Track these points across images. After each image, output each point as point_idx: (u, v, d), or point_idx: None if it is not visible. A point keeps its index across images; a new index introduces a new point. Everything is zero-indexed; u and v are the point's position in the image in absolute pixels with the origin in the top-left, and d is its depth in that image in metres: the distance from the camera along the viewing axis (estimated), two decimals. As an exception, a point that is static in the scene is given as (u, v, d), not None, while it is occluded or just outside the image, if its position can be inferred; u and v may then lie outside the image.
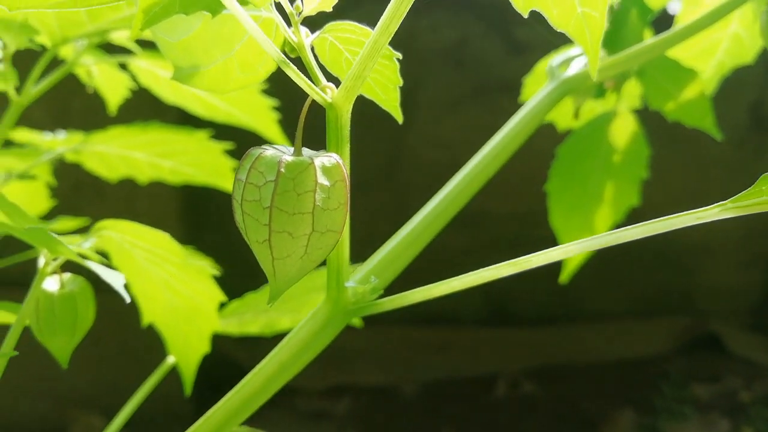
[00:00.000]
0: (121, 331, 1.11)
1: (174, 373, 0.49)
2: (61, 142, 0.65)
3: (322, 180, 0.26)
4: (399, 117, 0.34)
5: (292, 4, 0.28)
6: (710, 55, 0.59)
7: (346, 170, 0.27)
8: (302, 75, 0.27)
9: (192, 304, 0.43)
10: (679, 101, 0.53)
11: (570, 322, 1.85)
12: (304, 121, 0.28)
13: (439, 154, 1.57)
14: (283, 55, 0.29)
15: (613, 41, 0.52)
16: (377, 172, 1.64)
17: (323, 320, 0.35)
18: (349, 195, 0.28)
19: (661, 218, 0.27)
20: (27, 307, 0.37)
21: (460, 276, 0.33)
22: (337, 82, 0.29)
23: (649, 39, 0.45)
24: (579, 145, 0.60)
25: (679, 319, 1.89)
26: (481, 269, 0.32)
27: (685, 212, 0.27)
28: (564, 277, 0.66)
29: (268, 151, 0.27)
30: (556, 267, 0.62)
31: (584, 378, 1.76)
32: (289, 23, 0.30)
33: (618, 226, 0.63)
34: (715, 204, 0.27)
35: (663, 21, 0.57)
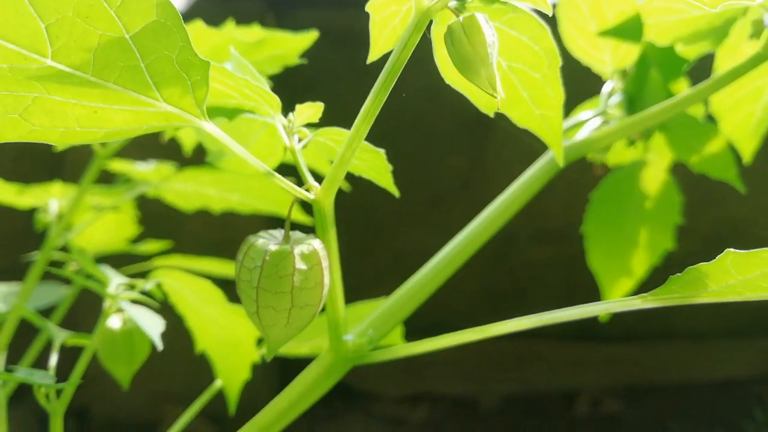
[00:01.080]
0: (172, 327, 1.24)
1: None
2: (149, 174, 0.76)
3: (300, 265, 0.33)
4: (395, 193, 0.40)
5: (285, 116, 0.35)
6: (756, 99, 0.60)
7: (323, 255, 0.34)
8: (286, 181, 0.33)
9: (235, 338, 0.52)
10: (702, 155, 0.55)
11: (657, 340, 1.81)
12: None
13: (519, 168, 1.59)
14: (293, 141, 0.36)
15: (635, 100, 0.55)
16: (455, 182, 1.69)
17: (326, 367, 0.42)
18: (326, 275, 0.34)
19: (587, 304, 0.32)
20: (94, 339, 0.47)
21: (451, 333, 0.39)
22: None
23: (667, 100, 0.48)
24: (611, 192, 0.63)
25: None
26: (474, 328, 0.38)
27: (612, 300, 0.32)
28: (603, 316, 0.70)
29: (260, 240, 0.34)
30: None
31: (671, 398, 1.72)
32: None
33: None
34: (638, 295, 0.31)
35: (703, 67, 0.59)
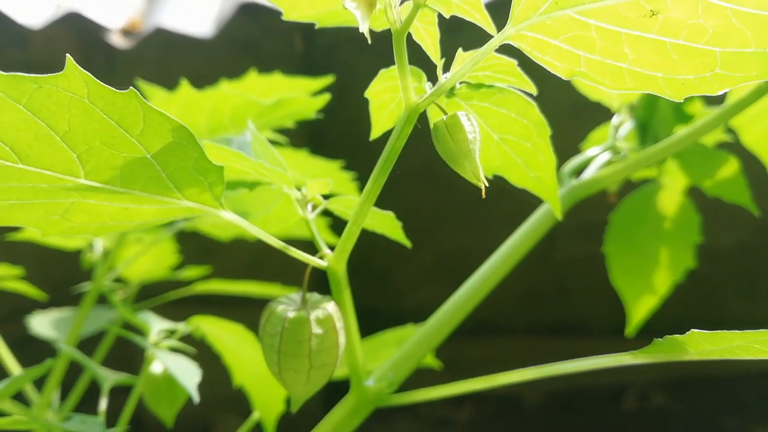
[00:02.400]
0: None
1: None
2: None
3: (316, 330, 0.37)
4: (408, 245, 0.44)
5: (299, 190, 0.39)
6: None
7: (339, 319, 0.38)
8: (299, 252, 0.37)
9: (269, 375, 0.56)
10: (716, 179, 0.57)
11: (712, 329, 1.79)
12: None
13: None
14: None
15: (646, 127, 0.57)
16: (495, 186, 1.70)
17: (350, 409, 0.46)
18: (341, 335, 0.38)
19: (582, 359, 0.35)
20: (140, 383, 0.52)
21: (466, 380, 0.43)
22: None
23: (678, 133, 0.50)
24: (630, 214, 0.65)
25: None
26: (491, 375, 0.41)
27: (604, 355, 0.35)
28: (629, 331, 0.72)
29: (280, 307, 0.38)
30: (693, 275, 0.67)
31: (723, 391, 1.71)
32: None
33: (677, 286, 0.68)
34: (628, 352, 0.34)
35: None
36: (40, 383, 0.80)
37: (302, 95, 0.61)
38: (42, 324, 0.90)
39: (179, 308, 1.11)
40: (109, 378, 0.55)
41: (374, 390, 0.45)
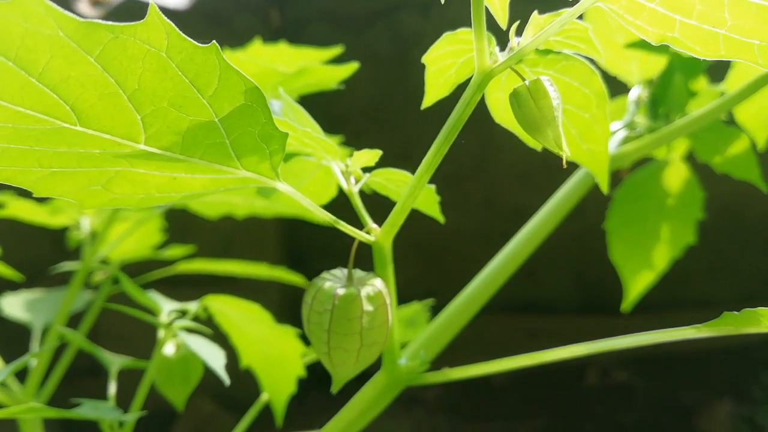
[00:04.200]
0: None
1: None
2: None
3: (367, 307, 0.35)
4: (442, 220, 0.43)
5: (343, 163, 0.37)
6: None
7: (387, 295, 0.36)
8: (349, 227, 0.35)
9: (281, 354, 0.54)
10: (726, 156, 0.57)
11: (667, 310, 1.85)
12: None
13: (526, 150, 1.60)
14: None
15: (658, 102, 0.57)
16: (464, 162, 1.70)
17: (381, 388, 0.44)
18: (390, 313, 0.36)
19: (643, 333, 0.34)
20: (151, 366, 0.49)
21: (496, 360, 0.41)
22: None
23: (695, 111, 0.50)
24: (634, 190, 0.65)
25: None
26: (510, 357, 0.40)
27: (666, 330, 0.34)
28: (626, 306, 0.72)
29: (327, 284, 0.36)
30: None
31: (682, 367, 1.77)
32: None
33: (676, 262, 0.69)
34: (692, 326, 0.33)
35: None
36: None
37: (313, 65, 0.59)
38: (14, 306, 0.86)
39: (160, 289, 1.07)
40: (116, 362, 0.52)
41: (406, 369, 0.44)
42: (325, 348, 0.36)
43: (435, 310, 0.63)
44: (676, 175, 0.63)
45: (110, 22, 0.22)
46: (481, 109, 0.38)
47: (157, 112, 0.25)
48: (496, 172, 1.56)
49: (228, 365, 0.50)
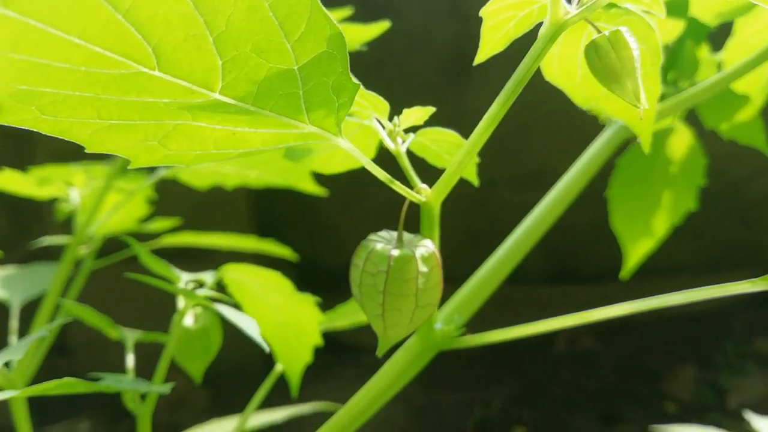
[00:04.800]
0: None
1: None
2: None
3: (422, 268, 0.34)
4: (475, 182, 0.42)
5: (390, 121, 0.36)
6: None
7: (439, 256, 0.35)
8: (403, 187, 0.34)
9: (298, 323, 0.53)
10: (733, 122, 0.58)
11: (633, 278, 1.90)
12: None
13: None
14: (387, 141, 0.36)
15: (667, 69, 0.57)
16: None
17: (416, 353, 0.44)
18: (442, 274, 0.35)
19: (696, 289, 0.34)
20: (172, 338, 0.47)
21: (535, 322, 0.41)
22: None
23: (710, 78, 0.50)
24: (638, 158, 0.65)
25: (745, 272, 1.92)
26: (552, 318, 0.40)
27: (719, 285, 0.34)
28: (624, 273, 0.73)
29: (379, 244, 0.35)
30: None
31: (646, 333, 1.82)
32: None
33: (675, 229, 0.70)
34: (747, 280, 0.34)
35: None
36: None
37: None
38: None
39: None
40: (131, 336, 0.50)
41: (441, 333, 0.43)
42: (379, 310, 0.35)
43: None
44: (680, 142, 0.64)
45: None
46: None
47: (238, 57, 0.24)
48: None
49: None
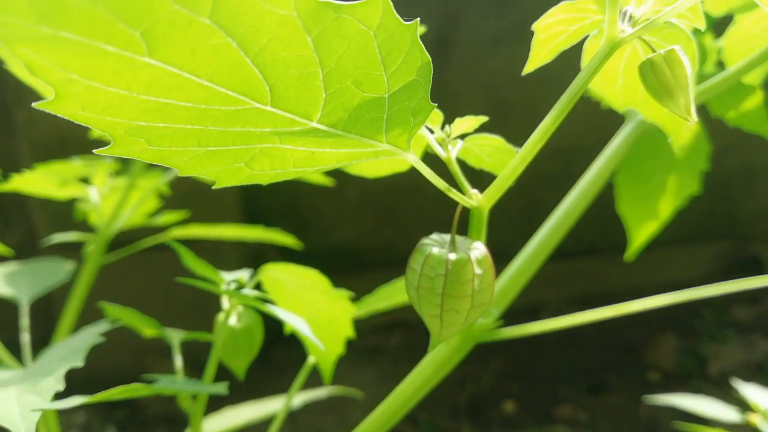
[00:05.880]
0: (189, 290, 1.27)
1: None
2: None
3: (478, 270, 0.36)
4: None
5: (441, 129, 0.38)
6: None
7: (491, 259, 0.37)
8: (457, 192, 0.36)
9: (331, 318, 0.55)
10: (739, 111, 0.61)
11: (613, 252, 1.96)
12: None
13: (480, 92, 1.63)
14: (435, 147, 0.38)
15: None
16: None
17: (456, 346, 0.46)
18: (494, 275, 0.38)
19: (707, 285, 0.37)
20: (218, 337, 0.49)
21: (573, 314, 0.44)
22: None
23: (720, 74, 0.53)
24: (646, 145, 0.68)
25: (721, 243, 1.99)
26: (590, 311, 0.43)
27: (727, 282, 0.37)
28: (629, 255, 0.76)
29: (435, 249, 0.37)
30: (595, 203, 0.72)
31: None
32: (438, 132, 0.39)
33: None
34: (746, 278, 0.37)
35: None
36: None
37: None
38: None
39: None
40: (176, 336, 0.51)
41: (479, 326, 0.45)
42: (437, 311, 0.37)
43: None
44: (687, 129, 0.67)
45: (336, 1, 0.22)
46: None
47: (340, 90, 0.25)
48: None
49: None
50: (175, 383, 0.44)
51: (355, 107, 0.27)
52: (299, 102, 0.25)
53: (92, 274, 0.65)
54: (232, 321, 0.49)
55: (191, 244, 1.00)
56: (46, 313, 1.21)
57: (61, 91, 0.21)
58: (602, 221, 1.54)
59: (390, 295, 0.68)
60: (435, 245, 0.37)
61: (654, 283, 1.90)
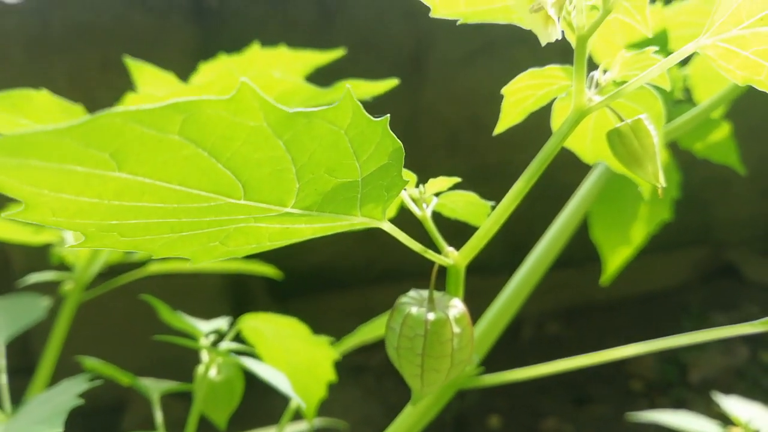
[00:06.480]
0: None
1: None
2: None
3: (456, 330, 0.37)
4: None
5: (416, 188, 0.38)
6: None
7: (469, 316, 0.38)
8: (432, 252, 0.37)
9: (313, 363, 0.55)
10: (706, 143, 0.62)
11: (592, 263, 1.98)
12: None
13: (455, 108, 1.64)
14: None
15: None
16: (396, 130, 1.72)
17: (437, 394, 0.46)
18: (473, 332, 0.38)
19: (707, 329, 0.38)
20: (199, 390, 0.49)
21: (562, 359, 0.45)
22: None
23: (688, 113, 0.54)
24: (617, 177, 0.69)
25: (698, 250, 2.02)
26: (569, 358, 0.44)
27: (727, 326, 0.38)
28: (605, 279, 0.77)
29: (414, 308, 0.37)
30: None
31: (607, 315, 1.91)
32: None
33: (650, 237, 0.74)
34: (748, 323, 0.37)
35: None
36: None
37: (306, 73, 0.59)
38: None
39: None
40: (157, 388, 0.51)
41: (462, 374, 0.46)
42: (417, 371, 0.37)
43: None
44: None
45: (306, 110, 0.22)
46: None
47: (314, 179, 0.26)
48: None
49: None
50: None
51: (329, 191, 0.27)
52: (272, 193, 0.26)
53: (70, 314, 0.65)
54: (212, 374, 0.49)
55: (171, 277, 1.00)
56: (23, 341, 1.19)
57: (31, 202, 0.21)
58: (579, 233, 1.56)
59: (370, 331, 0.69)
60: (413, 304, 0.38)
61: (632, 295, 1.93)
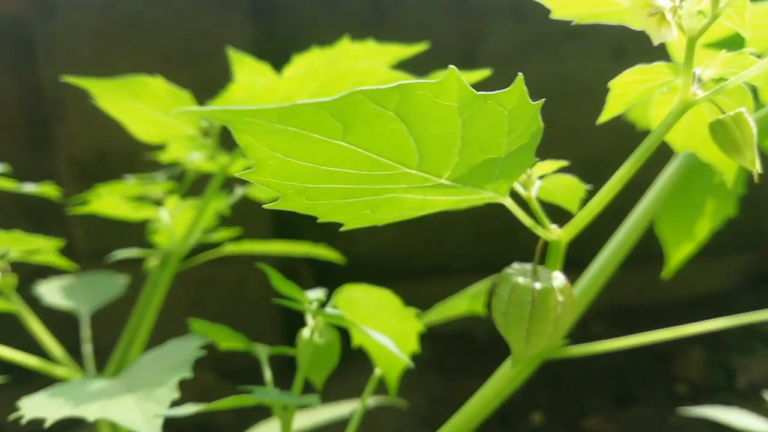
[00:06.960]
0: (228, 302, 1.34)
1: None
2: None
3: (560, 298, 0.43)
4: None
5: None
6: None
7: (570, 287, 0.44)
8: (539, 227, 0.42)
9: (399, 333, 0.61)
10: (771, 142, 0.67)
11: (639, 264, 2.01)
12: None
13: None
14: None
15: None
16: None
17: (523, 363, 0.52)
18: (574, 302, 0.44)
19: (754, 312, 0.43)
20: (305, 353, 0.55)
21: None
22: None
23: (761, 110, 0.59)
24: (684, 171, 0.74)
25: (747, 255, 2.05)
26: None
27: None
28: (666, 273, 0.82)
29: (521, 278, 0.43)
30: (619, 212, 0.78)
31: (654, 317, 1.94)
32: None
33: (715, 232, 0.79)
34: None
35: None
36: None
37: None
38: (53, 294, 0.89)
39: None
40: (264, 350, 0.58)
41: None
42: (523, 333, 0.43)
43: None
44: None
45: (484, 93, 0.28)
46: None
47: (469, 154, 0.32)
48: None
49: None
50: (269, 395, 0.51)
51: (476, 165, 0.33)
52: (437, 165, 0.31)
53: (165, 289, 0.72)
54: (316, 338, 0.55)
55: (230, 261, 1.07)
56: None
57: (261, 164, 0.28)
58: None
59: (444, 311, 0.75)
60: (518, 275, 0.44)
61: (680, 297, 1.96)
